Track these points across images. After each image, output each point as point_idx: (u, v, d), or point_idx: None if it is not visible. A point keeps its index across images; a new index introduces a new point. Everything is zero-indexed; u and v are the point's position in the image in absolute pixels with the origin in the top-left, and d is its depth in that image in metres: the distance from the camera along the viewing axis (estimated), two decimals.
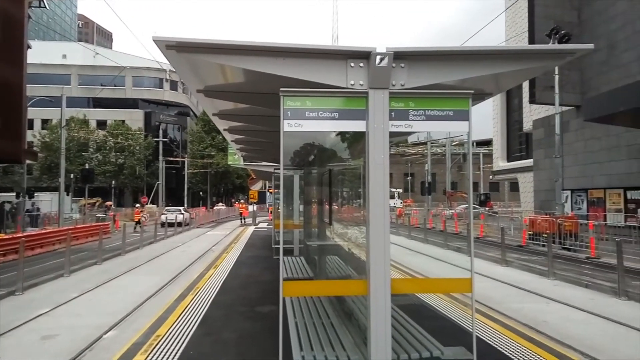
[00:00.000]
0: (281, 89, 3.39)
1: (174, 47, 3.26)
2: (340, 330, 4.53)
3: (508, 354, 5.43)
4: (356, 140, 4.66)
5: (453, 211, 36.21)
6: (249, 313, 7.37)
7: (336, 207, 6.93)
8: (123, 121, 59.60)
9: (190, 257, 14.12)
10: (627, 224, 18.41)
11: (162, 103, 66.62)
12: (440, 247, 17.36)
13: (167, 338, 6.00)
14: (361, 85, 3.49)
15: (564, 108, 21.46)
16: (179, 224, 26.25)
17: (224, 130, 7.43)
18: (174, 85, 64.59)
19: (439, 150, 64.02)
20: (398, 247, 17.44)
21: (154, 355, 5.36)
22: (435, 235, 20.55)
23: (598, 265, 12.30)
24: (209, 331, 6.35)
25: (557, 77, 19.36)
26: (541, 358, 5.29)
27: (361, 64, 3.46)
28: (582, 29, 22.53)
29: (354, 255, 4.82)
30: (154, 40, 3.17)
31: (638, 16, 19.48)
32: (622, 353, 5.47)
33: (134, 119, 61.97)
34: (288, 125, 3.43)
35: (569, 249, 15.34)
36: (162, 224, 25.27)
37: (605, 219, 19.66)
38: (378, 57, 3.37)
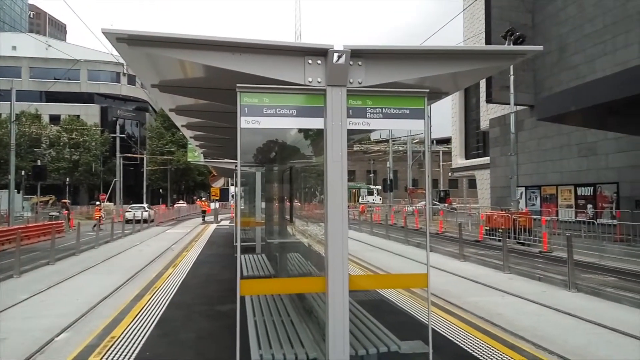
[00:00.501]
0: (238, 85, 3.34)
1: (125, 40, 3.15)
2: (300, 328, 4.52)
3: (464, 347, 5.58)
4: (315, 138, 4.66)
5: (414, 207, 36.88)
6: (208, 312, 7.26)
7: (297, 204, 6.92)
8: (78, 116, 57.50)
9: (149, 256, 13.78)
10: (578, 219, 19.31)
11: (119, 98, 64.62)
12: (401, 243, 17.66)
13: (122, 340, 5.83)
14: (319, 82, 3.48)
15: (519, 107, 22.20)
16: (145, 221, 26.98)
17: (182, 126, 7.27)
18: (131, 80, 62.67)
19: (401, 148, 65.03)
20: (360, 243, 17.63)
21: (108, 357, 5.20)
22: (397, 231, 20.89)
23: (550, 259, 12.82)
24: (166, 332, 6.22)
25: (512, 78, 20.01)
26: (495, 350, 5.46)
27: (319, 61, 3.45)
28: (535, 31, 23.37)
29: (315, 252, 4.82)
30: (103, 33, 3.05)
31: (586, 20, 20.38)
32: (570, 343, 5.72)
33: (90, 114, 59.88)
34: (245, 122, 3.38)
35: (523, 244, 15.93)
36: (128, 221, 25.47)
37: (557, 215, 20.52)
38: (336, 55, 3.36)
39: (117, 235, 20.02)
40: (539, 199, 22.86)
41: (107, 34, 3.10)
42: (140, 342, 5.73)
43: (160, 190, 62.77)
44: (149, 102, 67.73)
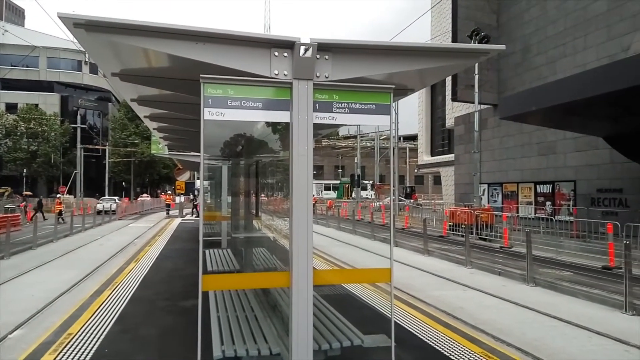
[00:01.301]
0: (201, 75, 3.26)
1: (82, 26, 3.02)
2: (263, 323, 4.49)
3: (426, 340, 5.67)
4: (282, 131, 4.62)
5: (381, 203, 37.28)
6: (171, 308, 7.12)
7: (263, 198, 6.86)
8: (36, 105, 55.18)
9: (110, 251, 13.41)
10: (537, 215, 19.96)
11: (80, 87, 62.38)
12: (368, 238, 17.82)
13: (79, 336, 5.64)
14: (285, 75, 3.44)
15: (483, 106, 22.72)
16: (114, 212, 29.35)
17: (145, 117, 7.08)
18: (94, 69, 60.55)
19: (369, 144, 65.54)
20: (327, 238, 17.70)
21: (64, 354, 5.02)
22: (364, 227, 21.06)
23: (510, 254, 13.21)
24: (126, 328, 6.06)
25: (477, 77, 20.44)
26: (457, 343, 5.58)
27: (285, 54, 3.41)
28: (500, 31, 23.94)
29: (281, 247, 4.79)
30: (59, 17, 2.92)
31: (549, 22, 21.01)
32: (528, 335, 5.90)
33: (49, 103, 57.53)
34: (209, 114, 3.31)
35: (485, 239, 16.35)
36: (99, 212, 26.51)
37: (517, 211, 21.15)
38: (302, 48, 3.33)
39: (77, 229, 19.39)
40: (500, 195, 23.50)
41: (64, 18, 2.96)
42: (99, 339, 5.57)
43: (124, 183, 61.14)
44: (112, 92, 65.71)
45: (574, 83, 12.46)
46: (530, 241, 9.45)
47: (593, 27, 18.67)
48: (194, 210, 32.94)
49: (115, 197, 40.33)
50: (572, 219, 17.12)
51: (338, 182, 70.04)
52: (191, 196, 38.83)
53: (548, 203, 20.25)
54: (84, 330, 5.89)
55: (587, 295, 7.96)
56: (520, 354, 5.27)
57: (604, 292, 7.89)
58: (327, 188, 68.81)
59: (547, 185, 20.55)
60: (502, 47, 3.70)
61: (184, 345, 5.30)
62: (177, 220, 27.14)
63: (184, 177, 32.01)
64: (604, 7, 18.19)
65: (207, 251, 9.74)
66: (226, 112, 3.33)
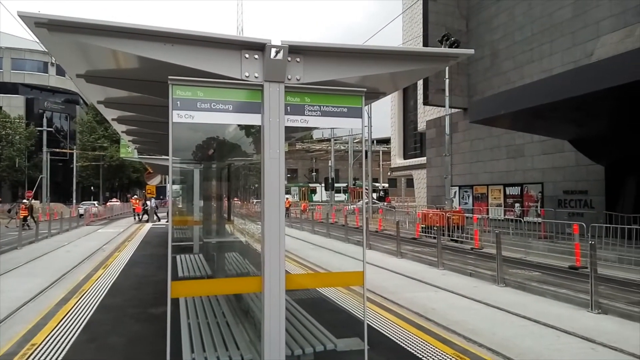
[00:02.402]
0: (169, 77, 3.19)
1: (44, 26, 2.91)
2: (235, 329, 4.42)
3: (399, 342, 5.69)
4: (253, 134, 4.57)
5: (355, 206, 37.45)
6: (140, 315, 6.95)
7: (236, 202, 6.79)
8: (0, 107, 53.30)
9: (77, 257, 13.02)
10: (506, 217, 20.38)
11: (47, 89, 60.64)
12: (342, 241, 17.85)
13: (44, 346, 5.44)
14: (256, 77, 3.40)
15: (453, 110, 23.11)
16: (95, 215, 32.52)
17: (113, 120, 6.90)
18: (60, 70, 58.92)
19: (343, 147, 65.80)
20: (301, 242, 17.65)
21: None
22: (338, 230, 21.10)
23: (481, 255, 13.44)
24: (94, 336, 5.87)
25: (447, 81, 20.78)
26: (429, 344, 5.62)
27: (256, 56, 3.37)
28: (469, 36, 24.42)
29: (253, 251, 4.73)
30: (19, 16, 2.81)
31: (516, 28, 21.56)
32: (498, 335, 6.00)
33: (13, 105, 55.69)
34: (178, 116, 3.24)
35: (456, 241, 16.59)
36: (80, 215, 30.16)
37: (487, 213, 21.56)
38: (273, 50, 3.30)
39: (42, 235, 18.78)
40: (471, 198, 23.91)
41: (25, 17, 2.85)
42: (64, 348, 5.38)
43: (92, 188, 59.62)
44: (79, 95, 64.05)
45: (540, 88, 12.80)
46: (500, 242, 9.62)
47: (558, 34, 19.25)
48: (146, 215, 31.44)
49: (95, 202, 42.95)
50: (540, 220, 17.56)
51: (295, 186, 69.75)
52: (141, 200, 36.82)
53: (517, 205, 20.71)
54: (49, 340, 5.68)
55: (554, 294, 8.15)
56: (491, 354, 5.34)
57: (570, 292, 8.09)
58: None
59: (516, 187, 21.02)
60: (471, 51, 3.75)
61: (153, 354, 5.17)
62: (148, 225, 26.61)
63: (154, 181, 31.35)
64: (569, 14, 18.78)
65: (178, 257, 9.57)
66: (195, 114, 3.26)
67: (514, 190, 21.11)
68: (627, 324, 6.54)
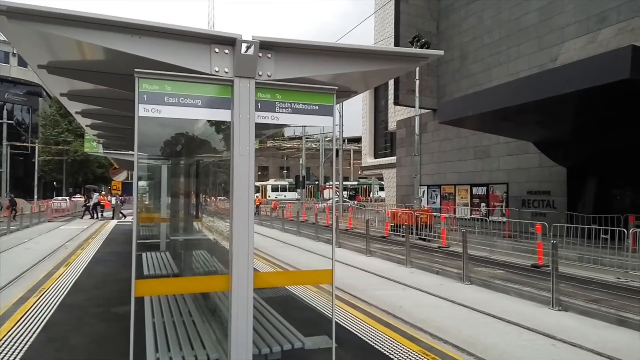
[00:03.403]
0: (136, 69, 3.09)
1: (3, 13, 2.77)
2: (202, 328, 4.35)
3: (367, 340, 5.73)
4: (223, 131, 4.49)
5: (325, 204, 37.54)
6: (104, 315, 6.76)
7: (204, 199, 6.67)
8: None
9: (37, 255, 12.56)
10: (473, 216, 20.85)
11: (7, 80, 58.26)
12: (312, 239, 17.86)
13: None
14: (226, 72, 3.34)
15: (423, 111, 23.47)
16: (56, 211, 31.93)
17: (76, 113, 6.67)
18: (23, 61, 56.71)
19: (314, 145, 65.84)
20: (271, 240, 17.56)
21: None
22: (308, 228, 21.09)
23: (448, 254, 13.68)
24: (53, 337, 5.68)
25: (417, 82, 21.08)
26: (396, 342, 5.68)
27: (226, 51, 3.31)
28: (439, 38, 24.83)
29: (222, 249, 4.66)
30: None
31: (485, 31, 22.04)
32: (463, 333, 6.12)
33: None
34: (144, 110, 3.14)
35: (424, 239, 16.84)
36: (55, 210, 30.80)
37: (455, 212, 22.00)
38: (244, 45, 3.25)
39: (1, 232, 18.05)
40: (439, 197, 24.35)
41: None
42: (22, 350, 5.18)
43: (55, 183, 57.72)
44: (42, 86, 61.85)
45: (507, 90, 13.13)
46: (466, 241, 9.82)
47: (525, 38, 19.78)
48: (87, 212, 30.28)
49: (67, 197, 43.51)
50: (504, 219, 18.03)
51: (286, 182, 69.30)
52: (84, 196, 35.48)
53: (483, 204, 21.21)
54: (6, 341, 5.46)
55: (518, 292, 8.37)
56: (456, 350, 5.44)
57: (533, 289, 8.33)
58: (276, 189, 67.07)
59: (482, 187, 21.52)
60: (441, 52, 3.80)
61: (116, 354, 5.03)
62: (113, 222, 25.95)
63: (120, 177, 30.58)
64: (535, 19, 19.32)
65: (143, 254, 9.35)
66: (163, 109, 3.18)
67: (480, 190, 21.62)
68: (586, 320, 6.79)
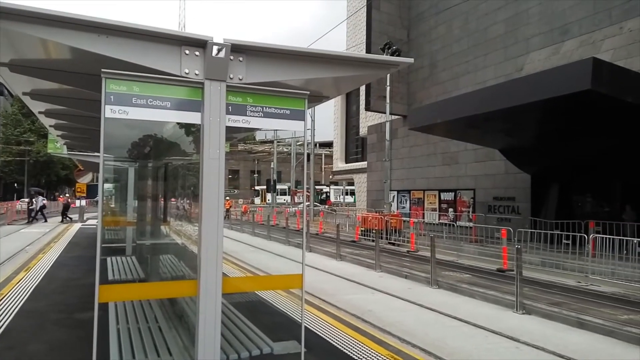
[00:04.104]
0: (103, 70, 3.03)
1: None
2: (168, 334, 4.26)
3: (336, 344, 5.74)
4: (193, 133, 4.44)
5: (296, 209, 37.47)
6: (65, 321, 6.54)
7: (172, 203, 6.57)
8: None
9: None
10: (441, 221, 21.21)
11: None
12: (282, 244, 17.78)
13: None
14: (197, 75, 3.31)
15: (394, 117, 23.75)
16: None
17: (40, 113, 6.46)
18: None
19: (285, 149, 65.72)
20: (241, 244, 17.39)
21: None
22: (279, 232, 20.99)
23: (416, 258, 13.85)
24: (12, 344, 5.46)
25: (388, 89, 21.34)
26: (365, 346, 5.71)
27: (197, 53, 3.28)
28: (410, 46, 25.24)
29: (189, 254, 4.59)
30: None
31: (454, 41, 22.53)
32: (430, 336, 6.20)
33: None
34: (111, 112, 3.08)
35: (393, 244, 17.01)
36: (40, 211, 28.74)
37: (423, 217, 22.32)
38: (215, 48, 3.23)
39: None
40: (408, 202, 24.68)
41: None
42: None
43: (16, 185, 55.63)
44: (4, 85, 59.55)
45: (474, 99, 13.45)
46: (434, 246, 9.97)
47: (492, 48, 20.32)
48: (31, 216, 28.76)
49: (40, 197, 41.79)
50: (471, 224, 18.41)
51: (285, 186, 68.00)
52: (28, 199, 33.80)
53: (450, 210, 21.61)
54: None
55: (483, 296, 8.56)
56: (424, 354, 5.51)
57: (498, 293, 8.52)
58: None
59: (450, 192, 21.94)
60: (411, 60, 3.86)
61: None
62: (77, 225, 25.18)
63: (85, 179, 29.70)
64: (502, 30, 19.89)
65: (108, 259, 9.12)
66: (130, 110, 3.12)
67: (448, 196, 22.03)
68: (549, 323, 6.99)
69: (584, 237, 11.35)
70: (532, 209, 17.01)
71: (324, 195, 61.07)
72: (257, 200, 62.87)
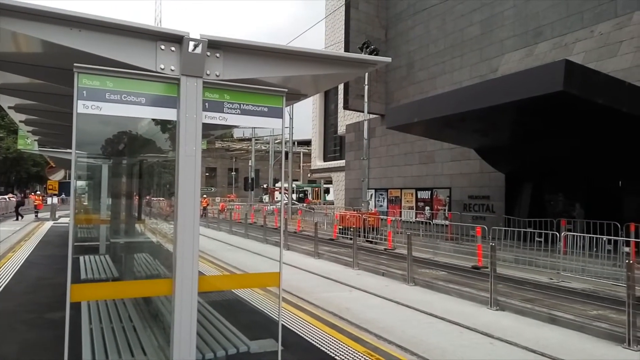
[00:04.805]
0: (75, 64, 2.95)
1: None
2: (143, 334, 4.20)
3: (313, 342, 5.75)
4: (170, 130, 4.37)
5: (274, 207, 37.36)
6: (36, 321, 6.38)
7: (148, 200, 6.47)
8: None
9: None
10: (417, 219, 21.44)
11: None
12: (260, 242, 17.71)
13: None
14: (172, 70, 3.26)
15: (372, 116, 23.90)
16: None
17: (9, 108, 6.25)
18: None
19: (264, 147, 65.39)
20: (218, 242, 17.26)
21: None
22: (256, 230, 20.89)
23: (393, 256, 13.98)
24: None
25: (366, 88, 21.45)
26: (342, 343, 5.74)
27: (173, 48, 3.23)
28: (388, 46, 25.42)
29: (165, 252, 4.53)
30: None
31: (431, 41, 22.78)
32: (407, 333, 6.27)
33: None
34: (83, 107, 3.01)
35: (371, 242, 17.13)
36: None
37: (401, 215, 22.53)
38: (192, 43, 3.18)
39: None
40: (386, 200, 24.87)
41: None
42: None
43: None
44: None
45: (449, 99, 13.62)
46: (410, 244, 10.08)
47: (468, 49, 20.62)
48: (37, 214, 28.64)
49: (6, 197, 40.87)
50: (447, 222, 18.67)
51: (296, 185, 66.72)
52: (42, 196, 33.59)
53: (427, 208, 21.87)
54: None
55: (459, 293, 8.69)
56: (400, 350, 5.57)
57: (473, 290, 8.67)
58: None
59: (427, 191, 22.20)
60: (388, 59, 3.89)
61: None
62: (49, 224, 24.57)
63: (57, 177, 28.92)
64: (477, 32, 20.20)
65: (81, 258, 8.92)
66: (103, 105, 3.05)
67: (425, 194, 22.29)
68: (522, 319, 7.15)
69: (556, 234, 11.65)
70: (506, 207, 17.35)
71: (302, 194, 60.98)
72: (266, 198, 60.60)
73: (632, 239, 10.38)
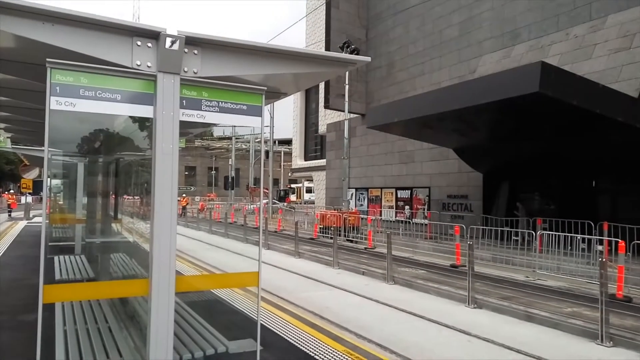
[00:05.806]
0: (48, 59, 2.88)
1: None
2: (119, 335, 4.12)
3: (293, 342, 5.73)
4: (147, 128, 4.30)
5: (254, 206, 37.17)
6: (9, 323, 6.21)
7: (124, 199, 6.36)
8: None
9: None
10: (397, 218, 21.59)
11: None
12: (240, 241, 17.60)
13: None
14: (149, 67, 3.21)
15: (352, 115, 23.95)
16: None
17: None
18: None
19: (244, 146, 64.95)
20: (198, 242, 17.09)
21: None
22: (236, 230, 20.75)
23: (374, 255, 14.05)
24: None
25: (347, 87, 21.50)
26: (321, 342, 5.74)
27: (149, 44, 3.18)
28: (369, 46, 25.50)
29: (142, 252, 4.45)
30: None
31: (410, 42, 22.95)
32: (386, 331, 6.31)
33: None
34: (56, 104, 2.93)
35: (351, 241, 17.18)
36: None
37: (381, 214, 22.65)
38: (169, 40, 3.14)
39: None
40: (366, 200, 24.96)
41: None
42: None
43: None
44: None
45: (428, 99, 13.74)
46: (390, 243, 10.14)
47: (447, 50, 20.84)
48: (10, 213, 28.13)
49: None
50: (426, 221, 18.83)
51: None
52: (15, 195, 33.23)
53: (407, 207, 22.03)
54: None
55: (437, 291, 8.78)
56: (379, 349, 5.59)
57: (451, 288, 8.77)
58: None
59: (406, 190, 22.36)
60: (368, 59, 3.90)
61: None
62: (22, 223, 23.98)
63: (31, 175, 28.22)
64: (456, 33, 20.42)
65: (56, 258, 8.72)
66: (78, 102, 2.98)
67: (405, 194, 22.45)
68: (499, 317, 7.26)
69: (532, 233, 11.86)
70: (484, 206, 17.59)
71: (282, 193, 60.70)
72: (293, 197, 59.05)
73: (605, 238, 10.65)
